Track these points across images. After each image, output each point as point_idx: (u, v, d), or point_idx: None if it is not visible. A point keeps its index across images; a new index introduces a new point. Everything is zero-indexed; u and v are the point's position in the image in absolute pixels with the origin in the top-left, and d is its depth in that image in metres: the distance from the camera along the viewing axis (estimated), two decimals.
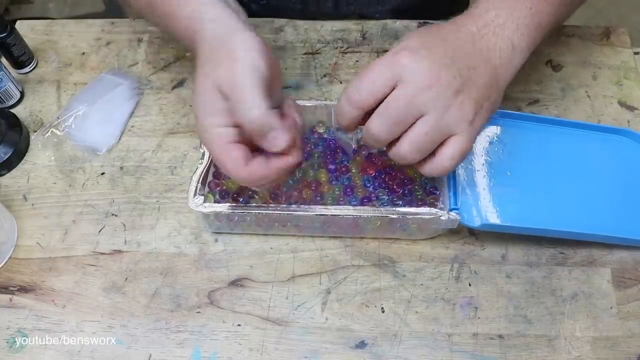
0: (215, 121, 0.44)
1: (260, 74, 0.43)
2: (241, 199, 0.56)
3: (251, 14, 0.55)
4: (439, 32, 0.46)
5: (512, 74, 0.48)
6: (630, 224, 0.55)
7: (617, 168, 0.58)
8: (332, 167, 0.58)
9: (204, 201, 0.53)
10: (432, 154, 0.45)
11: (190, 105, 0.66)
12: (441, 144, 0.44)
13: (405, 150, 0.44)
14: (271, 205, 0.54)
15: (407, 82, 0.42)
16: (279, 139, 0.43)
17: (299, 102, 0.54)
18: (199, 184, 0.54)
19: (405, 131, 0.44)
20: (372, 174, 0.58)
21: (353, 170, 0.58)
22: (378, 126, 0.44)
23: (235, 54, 0.43)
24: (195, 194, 0.53)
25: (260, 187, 0.54)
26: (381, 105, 0.43)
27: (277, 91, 0.47)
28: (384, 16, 0.74)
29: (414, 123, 0.43)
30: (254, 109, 0.42)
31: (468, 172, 0.55)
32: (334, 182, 0.58)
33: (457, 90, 0.43)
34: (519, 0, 0.48)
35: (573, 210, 0.55)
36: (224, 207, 0.53)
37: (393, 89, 0.43)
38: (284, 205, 0.53)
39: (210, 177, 0.57)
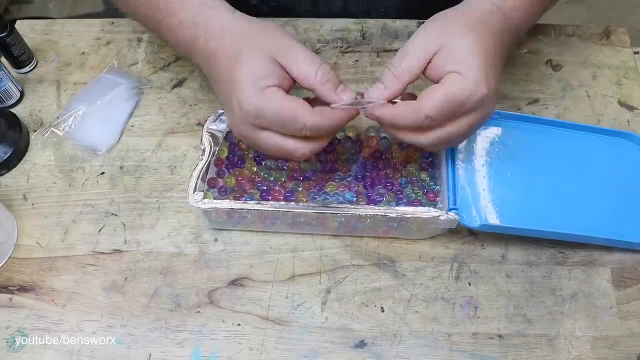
0: (269, 82, 0.47)
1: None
2: (240, 197, 0.56)
3: (261, 16, 0.55)
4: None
5: None
6: (629, 227, 0.55)
7: (617, 171, 0.58)
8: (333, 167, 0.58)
9: (204, 198, 0.53)
10: None
11: (191, 105, 0.66)
12: None
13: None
14: (270, 202, 0.54)
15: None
16: (346, 93, 0.48)
17: None
18: (199, 181, 0.54)
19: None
20: (372, 175, 0.58)
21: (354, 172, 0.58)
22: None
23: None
24: (195, 191, 0.53)
25: (321, 140, 0.50)
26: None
27: None
28: (389, 12, 0.74)
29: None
30: (321, 65, 0.47)
31: (468, 173, 0.55)
32: (336, 180, 0.58)
33: None
34: None
35: (573, 212, 0.55)
36: (223, 204, 0.53)
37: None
38: (283, 203, 0.53)
39: (210, 175, 0.57)
